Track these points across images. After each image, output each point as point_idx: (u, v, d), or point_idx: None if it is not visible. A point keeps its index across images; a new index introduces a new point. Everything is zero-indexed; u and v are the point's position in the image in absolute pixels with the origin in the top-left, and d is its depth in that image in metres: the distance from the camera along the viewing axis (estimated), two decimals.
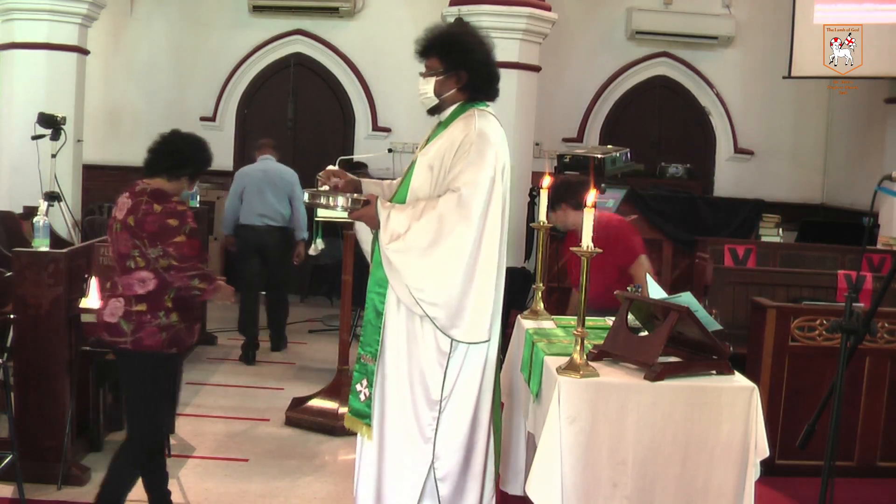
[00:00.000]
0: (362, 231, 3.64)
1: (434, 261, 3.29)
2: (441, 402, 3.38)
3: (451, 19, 8.07)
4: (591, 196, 3.04)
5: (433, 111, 3.57)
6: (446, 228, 3.28)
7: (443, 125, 3.52)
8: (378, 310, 3.45)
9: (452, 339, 3.34)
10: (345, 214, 3.54)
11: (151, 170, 3.67)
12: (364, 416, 3.48)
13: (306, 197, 3.51)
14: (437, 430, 3.38)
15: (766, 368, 4.64)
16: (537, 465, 2.92)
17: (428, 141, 3.55)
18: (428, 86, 3.50)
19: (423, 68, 3.55)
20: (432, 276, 3.30)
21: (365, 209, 3.37)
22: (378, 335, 3.44)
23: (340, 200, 3.39)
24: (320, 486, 4.51)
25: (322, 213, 3.88)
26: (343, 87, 9.69)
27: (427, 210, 3.30)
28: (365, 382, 3.48)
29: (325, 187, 3.52)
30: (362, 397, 3.49)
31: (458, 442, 3.42)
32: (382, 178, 3.83)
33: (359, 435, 3.58)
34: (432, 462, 3.40)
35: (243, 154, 9.33)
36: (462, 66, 3.46)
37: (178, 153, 3.70)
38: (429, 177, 3.41)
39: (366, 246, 3.66)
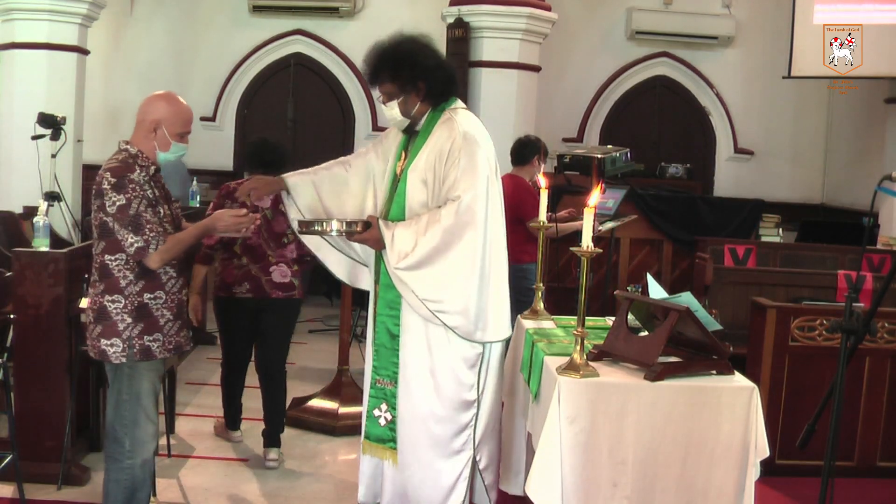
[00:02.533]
0: (362, 254, 3.65)
1: (446, 272, 3.30)
2: (478, 400, 3.47)
3: (451, 19, 8.09)
4: (593, 196, 3.05)
5: (409, 129, 3.55)
6: (454, 238, 3.29)
7: (421, 134, 3.50)
8: (392, 332, 3.45)
9: (479, 342, 3.39)
10: (344, 243, 3.55)
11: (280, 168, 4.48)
12: (386, 440, 3.50)
13: (296, 227, 3.49)
14: (475, 426, 3.46)
15: (766, 368, 4.64)
16: (537, 465, 2.92)
17: (406, 152, 3.52)
18: (394, 110, 3.48)
19: (380, 96, 3.52)
20: (447, 287, 3.31)
21: (367, 233, 3.34)
22: (395, 357, 3.45)
23: (335, 225, 3.35)
24: (320, 486, 4.51)
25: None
26: (343, 87, 9.69)
27: (431, 223, 3.30)
28: (384, 406, 3.49)
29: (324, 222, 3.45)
30: (382, 422, 3.50)
31: (493, 430, 3.56)
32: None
33: (365, 458, 3.60)
34: (473, 456, 3.47)
35: (243, 154, 9.32)
36: (416, 78, 3.42)
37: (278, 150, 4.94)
38: (424, 191, 3.41)
39: (356, 270, 3.71)
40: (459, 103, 3.55)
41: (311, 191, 3.60)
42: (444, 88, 3.48)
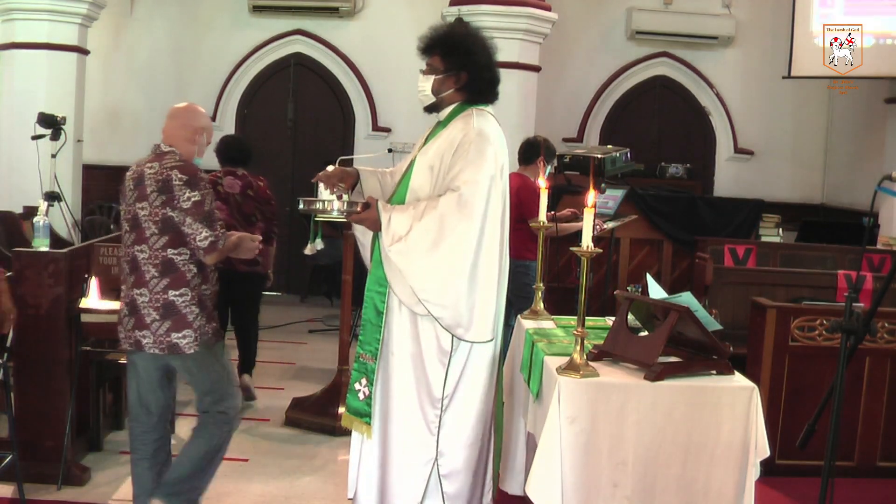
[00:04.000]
0: (361, 233, 3.64)
1: (437, 261, 3.29)
2: (443, 399, 3.39)
3: (451, 19, 8.07)
4: (591, 196, 3.05)
5: (430, 109, 3.58)
6: (448, 228, 3.28)
7: (441, 125, 3.53)
8: (378, 309, 3.45)
9: (457, 338, 3.35)
10: (342, 217, 3.54)
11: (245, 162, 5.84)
12: (363, 414, 3.48)
13: (301, 205, 3.50)
14: (440, 427, 3.40)
15: (766, 368, 4.64)
16: (537, 465, 2.92)
17: (427, 140, 3.55)
18: (427, 83, 3.51)
19: (423, 65, 3.55)
20: (436, 276, 3.30)
21: (366, 213, 3.35)
22: (378, 334, 3.44)
23: (336, 205, 3.37)
24: (320, 486, 4.51)
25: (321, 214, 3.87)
26: (343, 87, 9.69)
27: (428, 210, 3.30)
28: (364, 381, 3.49)
29: (324, 193, 3.50)
30: (361, 396, 3.50)
31: (463, 439, 3.43)
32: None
33: (354, 436, 3.59)
34: (436, 459, 3.40)
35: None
36: (463, 67, 3.46)
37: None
38: (429, 177, 3.41)
39: (364, 251, 3.67)
40: (490, 109, 3.55)
41: (377, 186, 3.64)
42: (482, 88, 3.51)
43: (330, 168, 3.59)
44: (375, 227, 3.37)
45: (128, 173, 3.59)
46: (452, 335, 3.34)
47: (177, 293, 3.47)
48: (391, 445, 3.44)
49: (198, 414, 3.69)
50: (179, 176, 3.43)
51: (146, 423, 3.68)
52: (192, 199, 3.43)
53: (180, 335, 3.47)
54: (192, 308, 3.49)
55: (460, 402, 3.41)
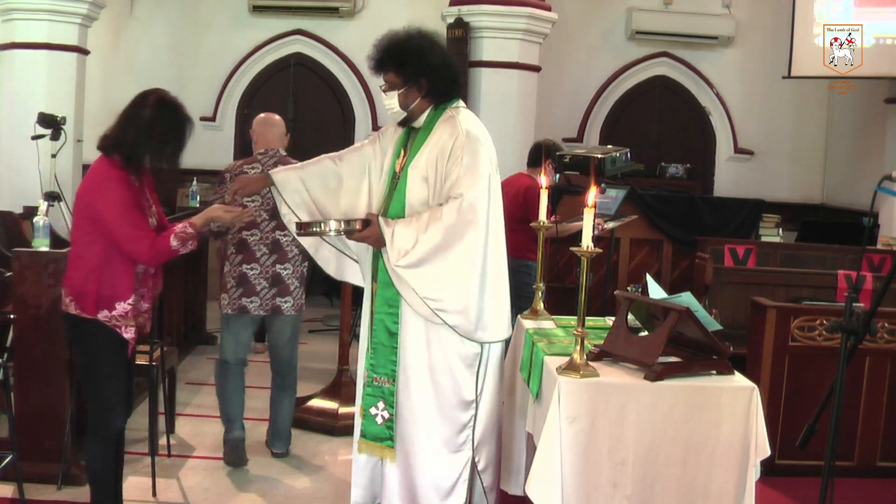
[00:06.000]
0: (337, 265, 3.69)
1: (447, 270, 3.29)
2: (476, 400, 3.45)
3: (451, 19, 8.09)
4: (591, 196, 3.04)
5: (405, 122, 3.54)
6: (455, 236, 3.28)
7: (423, 131, 3.49)
8: (391, 330, 3.44)
9: (478, 342, 3.38)
10: (337, 238, 3.53)
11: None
12: (383, 438, 3.48)
13: (294, 229, 3.48)
14: (474, 427, 3.45)
15: (766, 368, 4.64)
16: (537, 465, 2.92)
17: (406, 149, 3.52)
18: (392, 100, 3.47)
19: (381, 83, 3.51)
20: (448, 285, 3.30)
21: (367, 230, 3.33)
22: (394, 356, 3.44)
23: (333, 225, 3.33)
24: (320, 486, 4.51)
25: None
26: (343, 87, 9.69)
27: (432, 221, 3.29)
28: (381, 405, 3.47)
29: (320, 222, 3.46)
30: (379, 420, 3.48)
31: (492, 432, 3.53)
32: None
33: (360, 460, 3.59)
34: (472, 457, 3.45)
35: (243, 154, 9.31)
36: (421, 73, 3.42)
37: None
38: (425, 188, 3.39)
39: (351, 278, 3.71)
40: (461, 103, 3.55)
41: (299, 186, 3.57)
42: (446, 88, 3.47)
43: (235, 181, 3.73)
44: (379, 243, 3.35)
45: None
46: (471, 340, 3.38)
47: (282, 267, 4.56)
48: (418, 463, 3.45)
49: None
50: None
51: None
52: None
53: (283, 300, 4.58)
54: (293, 280, 4.60)
55: (487, 397, 3.49)
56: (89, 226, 3.44)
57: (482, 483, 3.52)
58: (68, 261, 3.56)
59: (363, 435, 3.55)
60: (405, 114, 3.50)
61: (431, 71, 3.42)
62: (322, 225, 3.35)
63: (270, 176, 3.61)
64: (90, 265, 3.43)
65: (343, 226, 3.32)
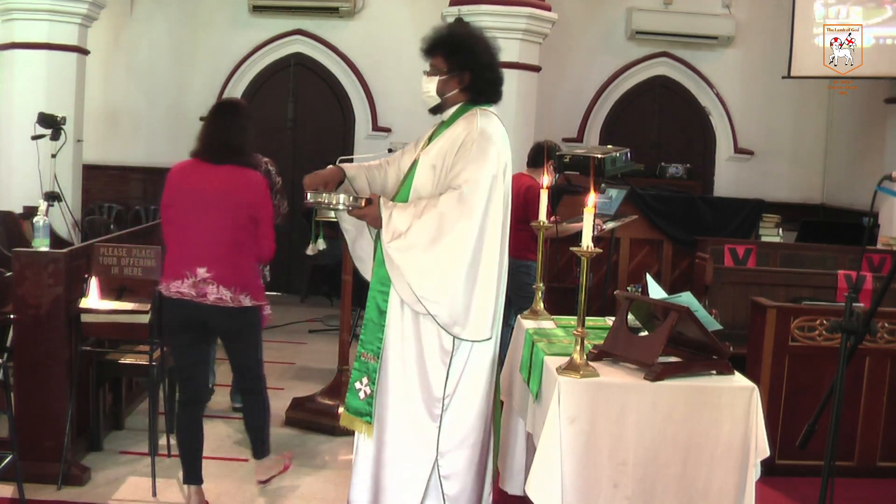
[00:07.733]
0: (354, 230, 3.66)
1: (436, 258, 3.29)
2: (444, 399, 3.39)
3: (451, 19, 8.07)
4: (591, 197, 3.05)
5: (435, 110, 3.59)
6: (447, 226, 3.28)
7: (445, 125, 3.53)
8: (381, 308, 3.45)
9: (455, 338, 3.34)
10: (345, 213, 3.55)
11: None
12: (363, 413, 3.48)
13: (308, 197, 3.51)
14: (440, 427, 3.39)
15: (766, 368, 4.64)
16: (537, 465, 2.92)
17: (430, 140, 3.55)
18: (431, 85, 3.52)
19: (427, 67, 3.55)
20: (434, 274, 3.30)
21: (367, 209, 3.37)
22: (381, 333, 3.44)
23: (342, 199, 3.40)
24: (320, 486, 4.51)
25: (322, 213, 3.90)
26: (343, 87, 9.69)
27: (428, 208, 3.31)
28: (365, 380, 3.49)
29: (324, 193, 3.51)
30: (362, 395, 3.49)
31: (464, 440, 3.43)
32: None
33: (356, 436, 3.59)
34: (436, 460, 3.40)
35: None
36: (466, 67, 3.47)
37: None
38: (431, 176, 3.42)
39: (361, 253, 3.68)
40: (493, 109, 3.56)
41: (365, 183, 3.66)
42: (485, 88, 3.52)
43: (314, 175, 3.61)
44: (376, 223, 3.39)
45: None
46: (448, 334, 3.34)
47: None
48: (390, 446, 3.44)
49: None
50: None
51: None
52: None
53: None
54: None
55: (461, 402, 3.41)
56: (252, 226, 4.02)
57: (443, 490, 3.42)
58: (227, 258, 3.95)
59: (346, 408, 3.56)
60: (438, 101, 3.53)
61: (477, 68, 3.48)
62: (332, 198, 3.43)
63: (343, 170, 3.66)
64: (253, 260, 4.08)
65: (351, 201, 3.40)
